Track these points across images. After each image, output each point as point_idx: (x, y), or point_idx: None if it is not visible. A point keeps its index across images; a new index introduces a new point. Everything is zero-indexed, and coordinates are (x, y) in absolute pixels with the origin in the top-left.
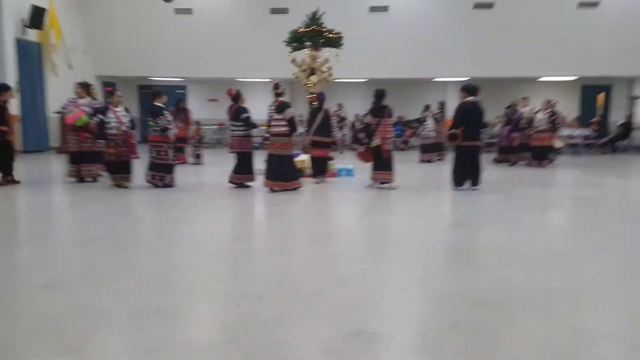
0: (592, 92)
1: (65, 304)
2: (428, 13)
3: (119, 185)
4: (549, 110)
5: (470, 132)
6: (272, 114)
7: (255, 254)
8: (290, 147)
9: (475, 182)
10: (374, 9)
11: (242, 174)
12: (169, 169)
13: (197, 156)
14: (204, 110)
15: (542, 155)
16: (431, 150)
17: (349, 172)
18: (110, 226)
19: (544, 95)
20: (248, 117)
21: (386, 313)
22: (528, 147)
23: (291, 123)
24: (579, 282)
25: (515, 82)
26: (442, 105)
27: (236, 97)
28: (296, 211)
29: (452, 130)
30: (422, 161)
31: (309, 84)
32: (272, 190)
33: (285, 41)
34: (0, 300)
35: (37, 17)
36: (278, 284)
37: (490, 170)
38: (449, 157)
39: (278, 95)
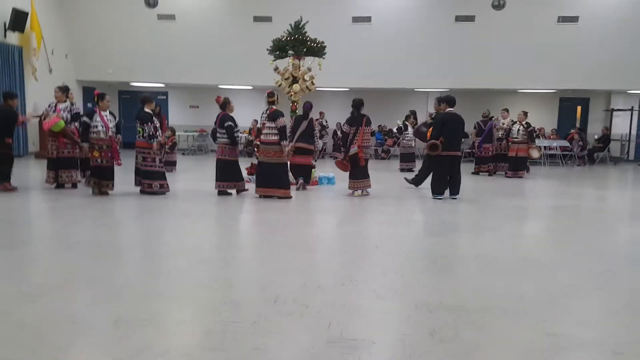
0: (570, 104)
1: (44, 312)
2: (410, 24)
3: (100, 192)
4: (524, 122)
5: (450, 143)
6: (264, 122)
7: (235, 262)
8: (282, 155)
9: (454, 192)
10: (356, 20)
11: (225, 181)
12: (156, 175)
13: (170, 163)
14: (186, 117)
15: (517, 166)
16: (411, 160)
17: (329, 181)
18: (89, 233)
19: (523, 107)
20: (231, 126)
21: (366, 320)
22: (505, 157)
23: (281, 132)
24: (555, 289)
25: (495, 94)
26: (414, 114)
27: (224, 105)
28: (277, 219)
29: (432, 141)
30: (403, 170)
31: (291, 92)
32: (262, 197)
33: (269, 49)
34: None
35: (18, 21)
36: (258, 291)
37: (469, 181)
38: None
39: (271, 103)
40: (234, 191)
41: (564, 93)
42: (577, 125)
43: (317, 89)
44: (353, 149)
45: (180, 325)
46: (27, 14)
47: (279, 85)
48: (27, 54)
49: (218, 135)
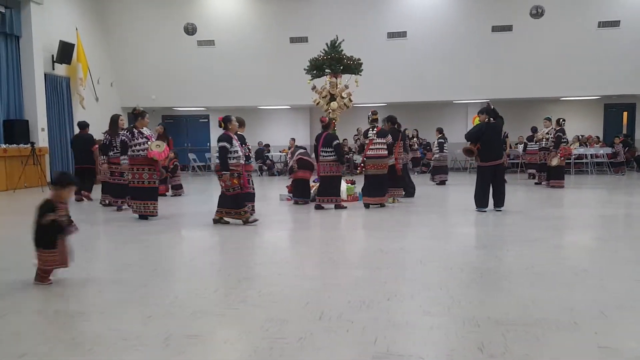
0: (615, 110)
1: (96, 330)
2: (446, 37)
3: (223, 220)
4: (558, 129)
5: (488, 152)
6: (372, 138)
7: (279, 278)
8: (385, 167)
9: (499, 204)
10: (392, 35)
11: (326, 196)
12: (248, 197)
13: (176, 187)
14: None
15: (551, 175)
16: (445, 172)
17: None
18: (142, 254)
19: (566, 115)
20: (339, 144)
21: (412, 335)
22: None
23: (390, 147)
24: (607, 300)
25: (537, 102)
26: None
27: (327, 125)
28: (319, 235)
29: (468, 146)
30: (441, 182)
31: (329, 109)
32: (369, 206)
33: (306, 69)
34: (35, 327)
35: (65, 53)
36: (303, 307)
37: (511, 192)
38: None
39: (375, 121)
40: (343, 203)
41: (609, 99)
42: (624, 131)
43: (354, 105)
44: (390, 161)
45: (228, 343)
46: (73, 45)
47: (317, 104)
48: (74, 83)
49: (323, 154)
